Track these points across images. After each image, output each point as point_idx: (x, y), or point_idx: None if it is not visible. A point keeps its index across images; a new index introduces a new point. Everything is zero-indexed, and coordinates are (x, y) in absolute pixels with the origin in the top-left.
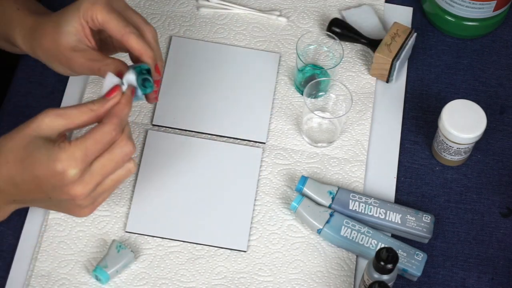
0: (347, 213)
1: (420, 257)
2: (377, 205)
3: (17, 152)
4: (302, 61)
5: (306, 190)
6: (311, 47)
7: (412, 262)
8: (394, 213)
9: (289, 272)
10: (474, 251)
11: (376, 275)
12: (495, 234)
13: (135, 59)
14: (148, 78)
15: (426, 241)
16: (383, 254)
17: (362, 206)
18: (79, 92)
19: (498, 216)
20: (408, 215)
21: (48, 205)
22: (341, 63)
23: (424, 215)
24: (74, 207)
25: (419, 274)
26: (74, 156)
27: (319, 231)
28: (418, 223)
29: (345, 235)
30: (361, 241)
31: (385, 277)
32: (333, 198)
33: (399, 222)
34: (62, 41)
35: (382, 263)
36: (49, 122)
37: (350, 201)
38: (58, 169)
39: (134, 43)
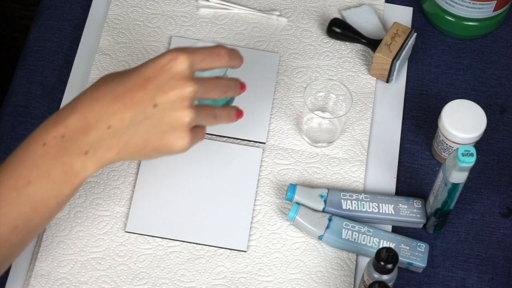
0: (342, 214)
1: (423, 248)
2: (368, 199)
3: (111, 78)
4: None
5: (297, 197)
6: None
7: (416, 255)
8: (387, 205)
9: (289, 272)
10: (474, 251)
11: (376, 275)
12: (495, 234)
13: None
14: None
15: (421, 226)
16: (383, 254)
17: (355, 203)
18: (79, 92)
19: (498, 216)
20: (400, 204)
21: (148, 128)
22: (342, 64)
23: (415, 201)
24: (179, 121)
25: (424, 265)
26: (180, 49)
27: (320, 238)
28: (411, 210)
29: (346, 238)
30: (363, 241)
31: (385, 277)
32: (325, 201)
33: (393, 212)
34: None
35: (382, 263)
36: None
37: (342, 200)
38: (167, 58)
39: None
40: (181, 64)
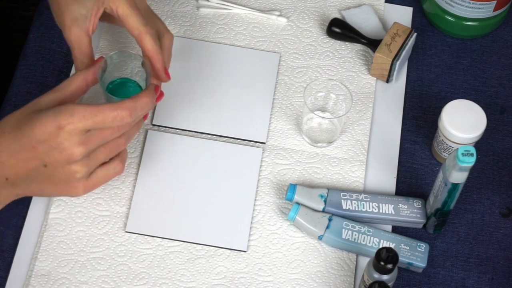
0: (342, 214)
1: (423, 248)
2: (368, 199)
3: (16, 123)
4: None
5: (297, 198)
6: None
7: (416, 255)
8: (387, 205)
9: (289, 272)
10: (474, 251)
11: (376, 275)
12: (495, 234)
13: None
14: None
15: (421, 226)
16: (383, 254)
17: (355, 203)
18: None
19: (498, 216)
20: (400, 204)
21: (42, 180)
22: (342, 64)
23: (415, 201)
24: (70, 177)
25: (424, 265)
26: (74, 113)
27: (320, 238)
28: (411, 210)
29: (346, 238)
30: (363, 241)
31: (385, 277)
32: (325, 201)
33: (393, 212)
34: (72, 7)
35: (382, 263)
36: (45, 97)
37: (342, 200)
38: (56, 123)
39: (149, 44)
40: (74, 136)
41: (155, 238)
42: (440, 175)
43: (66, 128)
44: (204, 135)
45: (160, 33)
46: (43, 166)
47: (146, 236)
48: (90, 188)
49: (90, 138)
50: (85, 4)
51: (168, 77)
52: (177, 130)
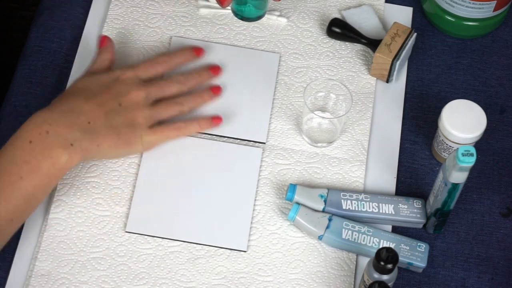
0: (342, 214)
1: (423, 248)
2: (368, 199)
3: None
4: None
5: (297, 197)
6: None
7: (416, 255)
8: (387, 205)
9: (289, 272)
10: (474, 251)
11: (376, 275)
12: (495, 234)
13: None
14: None
15: (421, 226)
16: (383, 254)
17: (355, 203)
18: None
19: (498, 216)
20: (400, 204)
21: (117, 124)
22: (342, 64)
23: (415, 201)
24: (135, 123)
25: (424, 265)
26: (130, 70)
27: (320, 238)
28: (411, 210)
29: (346, 238)
30: (363, 241)
31: (385, 277)
32: (325, 201)
33: (393, 212)
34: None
35: (382, 263)
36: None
37: (342, 200)
38: (118, 74)
39: None
40: (129, 74)
41: (155, 238)
42: (440, 175)
43: (126, 75)
44: (204, 135)
45: None
46: (118, 105)
47: (146, 236)
48: (150, 142)
49: (149, 85)
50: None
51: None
52: None
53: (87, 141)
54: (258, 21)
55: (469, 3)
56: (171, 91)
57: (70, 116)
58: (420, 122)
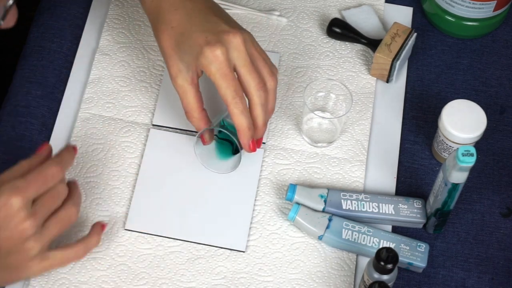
0: (342, 214)
1: (423, 248)
2: (368, 199)
3: None
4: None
5: (297, 198)
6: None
7: (416, 255)
8: (387, 205)
9: (289, 272)
10: (474, 251)
11: (376, 275)
12: (495, 234)
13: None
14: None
15: (421, 226)
16: (383, 254)
17: (355, 203)
18: (79, 92)
19: (498, 216)
20: (400, 204)
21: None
22: (342, 64)
23: (415, 201)
24: (23, 253)
25: (424, 265)
26: (12, 188)
27: (320, 238)
28: (411, 210)
29: (346, 238)
30: (363, 241)
31: (385, 277)
32: (325, 201)
33: (393, 212)
34: (173, 57)
35: (382, 263)
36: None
37: (342, 200)
38: (2, 201)
39: (235, 118)
40: (15, 204)
41: (155, 238)
42: (440, 175)
43: (12, 200)
44: None
45: (250, 95)
46: None
47: (146, 236)
48: (46, 266)
49: (36, 209)
50: (182, 66)
51: (253, 149)
52: (177, 130)
53: None
54: (258, 21)
55: (469, 3)
56: (57, 202)
57: None
58: (420, 122)
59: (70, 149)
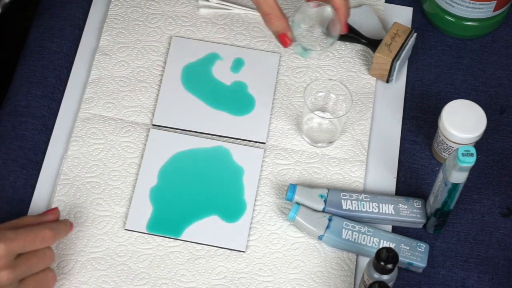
0: (342, 214)
1: (423, 248)
2: (368, 199)
3: None
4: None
5: (297, 198)
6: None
7: (416, 255)
8: (387, 205)
9: (289, 272)
10: (474, 251)
11: (376, 275)
12: (495, 234)
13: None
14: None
15: (421, 226)
16: (383, 254)
17: (355, 203)
18: (79, 92)
19: (498, 216)
20: (400, 204)
21: None
22: (342, 65)
23: (415, 201)
24: None
25: (424, 265)
26: (4, 235)
27: (320, 238)
28: (411, 210)
29: (346, 238)
30: (363, 241)
31: (385, 277)
32: (325, 201)
33: (393, 212)
34: None
35: (382, 263)
36: None
37: (342, 200)
38: None
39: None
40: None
41: (155, 238)
42: (440, 175)
43: None
44: (204, 135)
45: None
46: None
47: (146, 236)
48: None
49: (18, 263)
50: None
51: (346, 29)
52: (177, 130)
53: None
54: (258, 21)
55: (469, 3)
56: (39, 265)
57: None
58: (420, 122)
59: (67, 223)
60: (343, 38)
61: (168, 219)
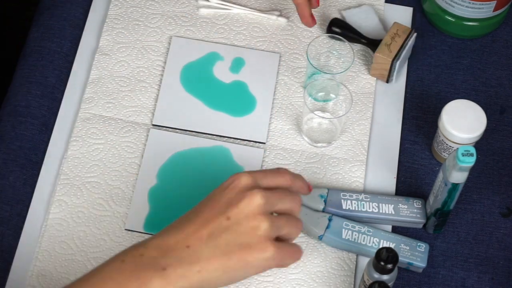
0: (342, 214)
1: (423, 248)
2: (368, 199)
3: None
4: (314, 66)
5: None
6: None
7: (416, 255)
8: (387, 205)
9: (289, 272)
10: (474, 251)
11: (376, 275)
12: (495, 234)
13: None
14: None
15: (421, 226)
16: (383, 254)
17: (355, 203)
18: (79, 92)
19: (498, 216)
20: (400, 204)
21: (227, 241)
22: (342, 65)
23: (415, 201)
24: (255, 232)
25: (424, 265)
26: (243, 172)
27: (320, 238)
28: (411, 210)
29: (346, 238)
30: (363, 241)
31: (385, 277)
32: (325, 201)
33: (393, 212)
34: None
35: (382, 263)
36: None
37: (342, 200)
38: (229, 179)
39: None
40: (244, 180)
41: None
42: (440, 175)
43: (240, 177)
44: (204, 135)
45: None
46: (226, 219)
47: (146, 236)
48: (286, 254)
49: (269, 192)
50: None
51: (314, 21)
52: (177, 130)
53: (184, 267)
54: (258, 21)
55: (469, 3)
56: (284, 205)
57: (168, 241)
58: (420, 122)
59: (305, 183)
60: (343, 38)
61: (168, 219)
